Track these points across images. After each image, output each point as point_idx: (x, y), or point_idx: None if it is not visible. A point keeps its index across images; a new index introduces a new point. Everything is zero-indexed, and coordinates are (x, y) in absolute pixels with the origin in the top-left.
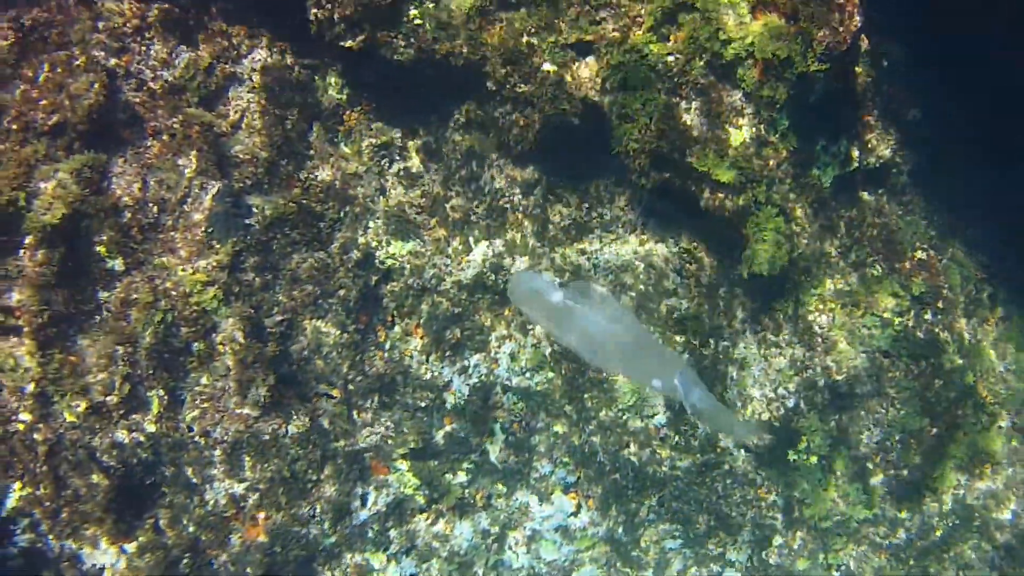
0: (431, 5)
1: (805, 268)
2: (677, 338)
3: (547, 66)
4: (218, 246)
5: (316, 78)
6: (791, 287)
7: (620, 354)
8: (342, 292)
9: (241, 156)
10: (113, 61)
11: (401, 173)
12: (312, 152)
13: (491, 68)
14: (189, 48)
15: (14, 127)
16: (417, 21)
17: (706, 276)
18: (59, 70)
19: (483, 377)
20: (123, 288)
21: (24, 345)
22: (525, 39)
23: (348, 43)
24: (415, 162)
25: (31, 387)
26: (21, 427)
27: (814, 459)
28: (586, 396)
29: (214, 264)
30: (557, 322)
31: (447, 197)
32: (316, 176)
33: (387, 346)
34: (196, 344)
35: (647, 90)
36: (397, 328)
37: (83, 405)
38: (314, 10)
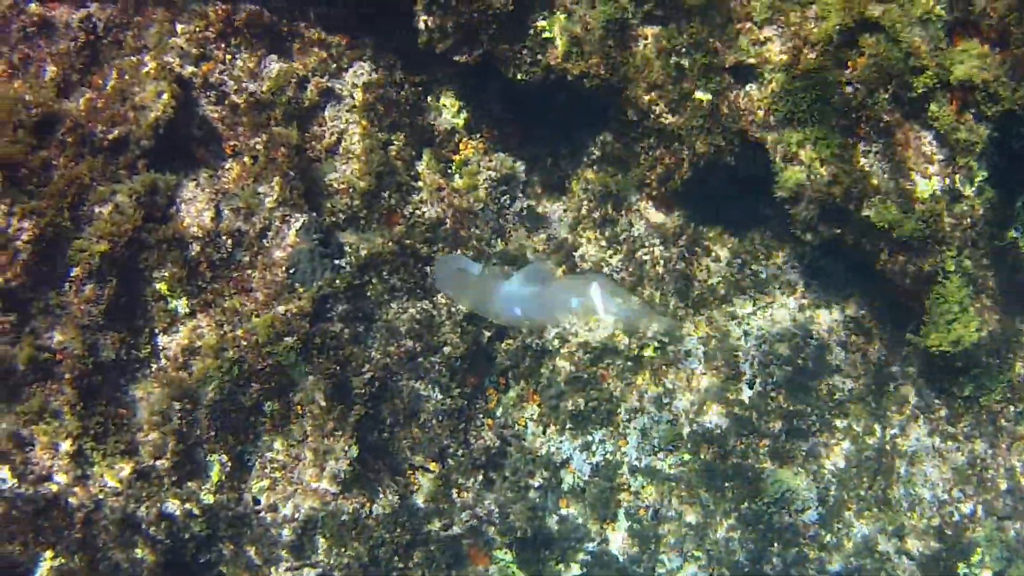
0: (562, 16)
1: (993, 349)
2: (837, 422)
3: (700, 94)
4: (301, 290)
5: (429, 98)
6: (975, 370)
7: (538, 301)
8: (447, 349)
9: (335, 185)
10: (190, 69)
11: (523, 213)
12: (420, 184)
13: (633, 94)
14: (281, 58)
15: (69, 140)
16: (546, 35)
17: (875, 351)
18: (126, 77)
19: (608, 455)
20: (186, 333)
21: (63, 394)
22: (674, 60)
23: (462, 57)
24: (540, 201)
25: (68, 444)
26: (55, 489)
27: (988, 574)
28: (726, 484)
29: (295, 311)
30: (479, 295)
31: (576, 244)
32: (423, 212)
33: (497, 413)
34: (269, 404)
35: (819, 126)
36: (512, 393)
37: (129, 468)
38: (423, 17)
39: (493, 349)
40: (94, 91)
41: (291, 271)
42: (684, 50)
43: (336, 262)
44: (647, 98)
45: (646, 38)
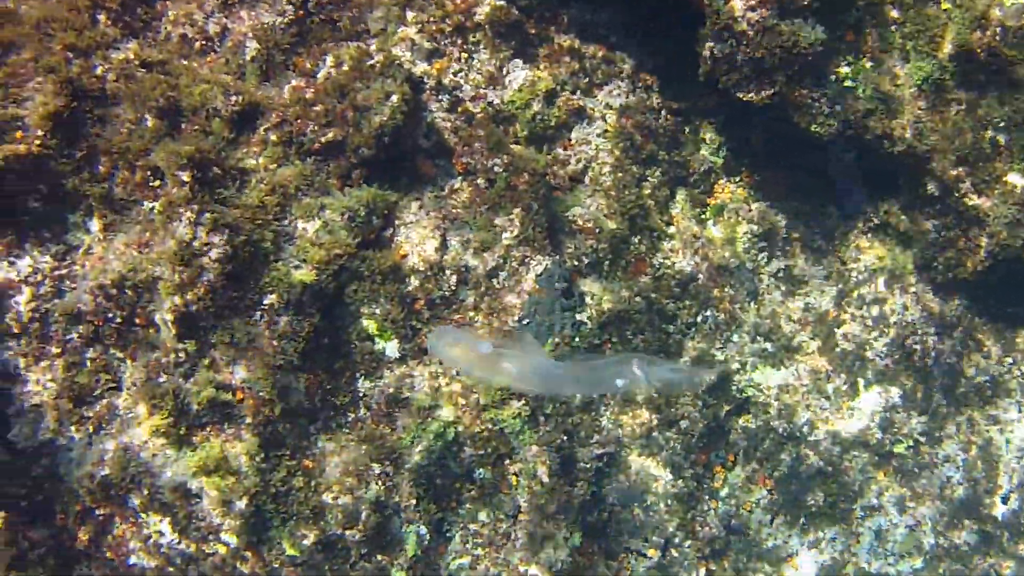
0: (868, 64)
1: None
2: None
3: (1014, 177)
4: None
5: (686, 130)
6: None
7: (574, 377)
8: (685, 424)
9: (580, 223)
10: (422, 67)
11: (780, 275)
12: (672, 229)
13: (937, 165)
14: (526, 64)
15: (272, 137)
16: (848, 83)
17: None
18: (346, 68)
19: (838, 554)
20: (394, 381)
21: (243, 441)
22: (989, 134)
23: (750, 95)
24: (799, 263)
25: (243, 502)
26: (223, 550)
27: None
28: None
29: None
30: (489, 368)
31: (837, 319)
32: (673, 263)
33: (722, 494)
34: (481, 471)
35: None
36: (739, 471)
37: (312, 536)
38: (710, 45)
39: (728, 425)
40: (301, 78)
41: (524, 321)
42: (1003, 125)
43: (577, 316)
44: (953, 173)
45: (960, 103)
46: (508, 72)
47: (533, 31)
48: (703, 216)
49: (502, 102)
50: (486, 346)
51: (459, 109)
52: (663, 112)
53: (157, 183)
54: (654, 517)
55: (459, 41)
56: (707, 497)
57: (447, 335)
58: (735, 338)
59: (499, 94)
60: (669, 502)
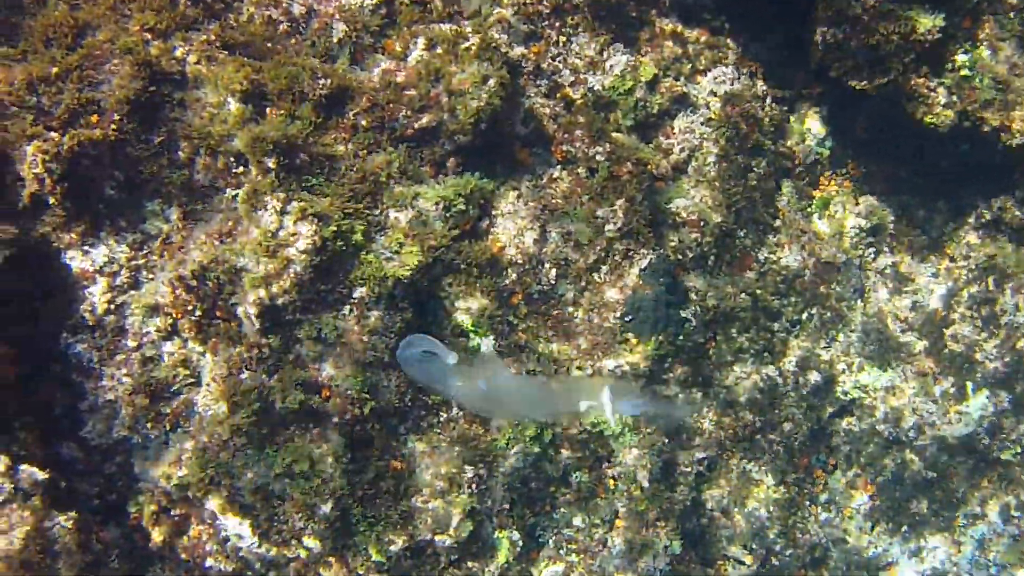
0: (986, 53)
1: None
2: None
3: None
4: (635, 342)
5: (791, 119)
6: None
7: (531, 401)
8: (787, 426)
9: (683, 215)
10: (519, 50)
11: (887, 272)
12: (778, 223)
13: None
14: (627, 49)
15: (363, 122)
16: (964, 72)
17: None
18: (439, 51)
19: (939, 564)
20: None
21: (329, 441)
22: None
23: (863, 83)
24: (906, 259)
25: (328, 506)
26: (305, 555)
27: None
28: None
29: (626, 368)
30: (451, 385)
31: (946, 319)
32: (778, 259)
33: (822, 499)
34: (578, 474)
35: None
36: (839, 476)
37: (401, 541)
38: (822, 31)
39: (831, 428)
40: (392, 61)
41: (627, 318)
42: None
43: (681, 313)
44: None
45: None
46: (608, 56)
47: (634, 14)
48: (809, 209)
49: (603, 88)
50: (452, 357)
51: (558, 95)
52: (767, 100)
53: (240, 170)
54: (755, 524)
55: (557, 24)
56: (807, 503)
57: (414, 344)
58: (840, 337)
59: (599, 79)
60: (771, 508)
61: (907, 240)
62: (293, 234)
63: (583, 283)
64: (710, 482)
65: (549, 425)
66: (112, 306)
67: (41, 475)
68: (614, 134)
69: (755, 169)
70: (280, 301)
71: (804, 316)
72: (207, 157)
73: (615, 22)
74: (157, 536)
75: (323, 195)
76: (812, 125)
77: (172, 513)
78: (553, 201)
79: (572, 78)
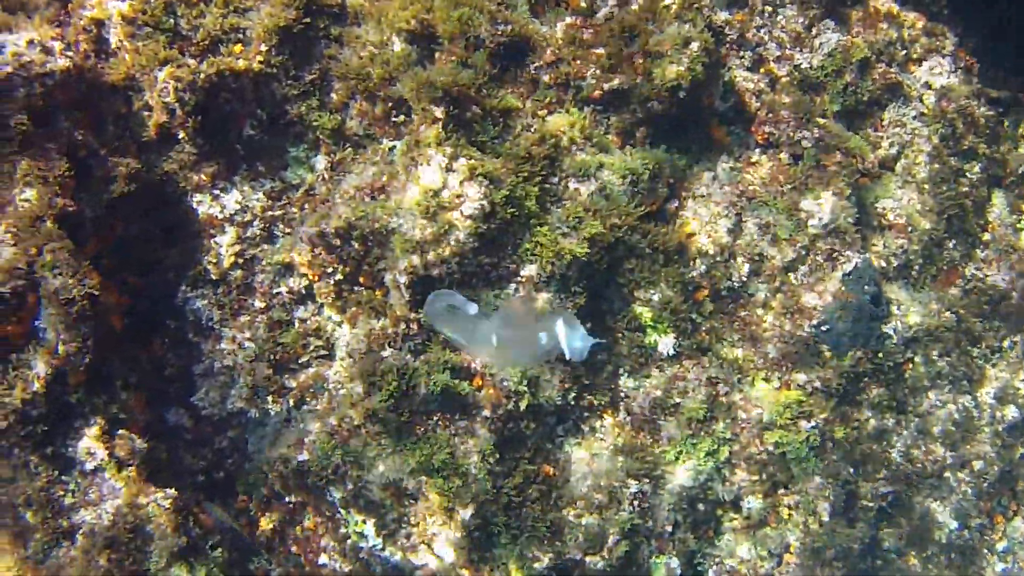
0: None
1: None
2: None
3: None
4: (828, 355)
5: (1005, 123)
6: None
7: (515, 340)
8: (978, 464)
9: (890, 217)
10: (722, 15)
11: None
12: (989, 235)
13: None
14: (838, 28)
15: (545, 78)
16: None
17: None
18: (635, 7)
19: None
20: (663, 382)
21: (476, 437)
22: None
23: None
24: None
25: (468, 511)
26: (436, 564)
27: None
28: None
29: (818, 384)
30: (468, 335)
31: None
32: (985, 276)
33: (999, 548)
34: (751, 498)
35: None
36: (1018, 524)
37: (546, 559)
38: None
39: (1019, 470)
40: (576, 16)
41: (823, 327)
42: None
43: (884, 328)
44: None
45: None
46: (818, 33)
47: None
48: (1019, 225)
49: (811, 67)
50: (472, 308)
51: (761, 70)
52: (981, 99)
53: (401, 119)
54: (934, 570)
55: None
56: (985, 550)
57: (441, 298)
58: None
59: (806, 57)
60: (951, 554)
61: None
62: (458, 195)
63: (777, 283)
64: (890, 519)
65: (728, 441)
66: (240, 260)
67: (140, 443)
68: (820, 119)
69: (968, 174)
70: (435, 272)
71: (1006, 344)
72: (364, 102)
73: None
74: (266, 523)
75: (494, 155)
76: None
77: (286, 500)
78: (750, 188)
79: (778, 52)
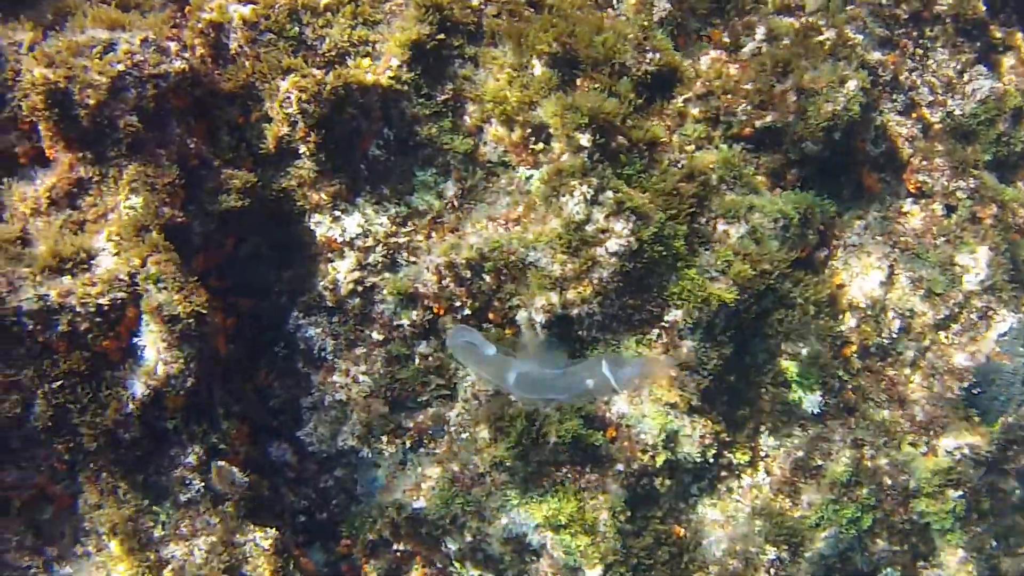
0: None
1: None
2: None
3: None
4: (978, 421)
5: None
6: None
7: (552, 383)
8: None
9: None
10: (876, 55)
11: None
12: None
13: None
14: (990, 75)
15: (694, 112)
16: None
17: None
18: (787, 42)
19: None
20: (806, 442)
21: (607, 492)
22: None
23: None
24: None
25: (596, 570)
26: None
27: None
28: None
29: (965, 450)
30: (492, 371)
31: None
32: None
33: None
34: (890, 570)
35: None
36: None
37: None
38: None
39: None
40: (717, 49)
41: (975, 390)
42: None
43: None
44: None
45: None
46: (970, 79)
47: (998, 35)
48: None
49: (963, 114)
50: (491, 349)
51: (913, 115)
52: None
53: (540, 146)
54: None
55: (914, 32)
56: None
57: (460, 335)
58: None
59: (959, 103)
60: None
61: None
62: (603, 230)
63: (927, 341)
64: None
65: (872, 508)
66: (359, 287)
67: (240, 476)
68: (974, 170)
69: None
70: (575, 311)
71: None
72: (500, 126)
73: (978, 40)
74: (369, 571)
75: (640, 189)
76: None
77: (394, 548)
78: (902, 239)
79: (930, 97)
